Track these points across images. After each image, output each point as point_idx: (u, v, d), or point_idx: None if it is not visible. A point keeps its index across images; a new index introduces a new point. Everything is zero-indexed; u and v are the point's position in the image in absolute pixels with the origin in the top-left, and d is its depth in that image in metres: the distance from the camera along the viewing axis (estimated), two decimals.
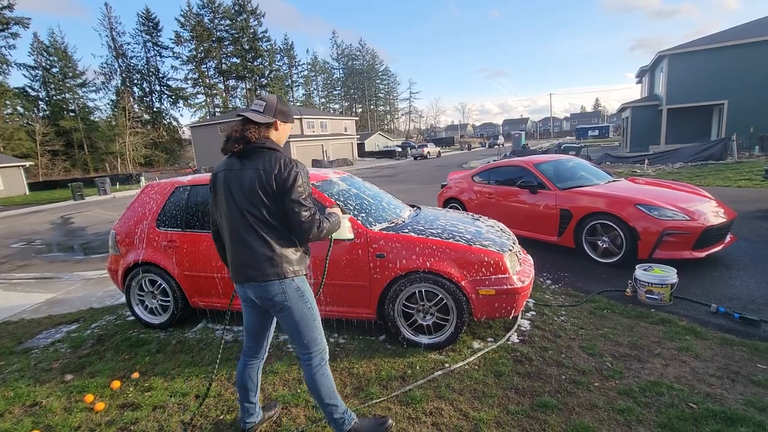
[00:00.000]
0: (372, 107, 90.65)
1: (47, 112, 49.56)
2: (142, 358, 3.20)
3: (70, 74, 51.03)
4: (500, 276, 2.99)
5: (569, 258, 5.15)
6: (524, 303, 3.14)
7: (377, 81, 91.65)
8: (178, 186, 3.74)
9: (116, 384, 2.82)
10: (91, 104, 53.70)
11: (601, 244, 4.81)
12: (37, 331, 4.05)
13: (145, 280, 3.74)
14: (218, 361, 2.47)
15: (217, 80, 63.06)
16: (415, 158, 39.35)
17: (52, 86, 49.87)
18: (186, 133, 55.03)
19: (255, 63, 63.10)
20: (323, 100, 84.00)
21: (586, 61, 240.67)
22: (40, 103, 49.69)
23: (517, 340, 3.19)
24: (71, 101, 51.57)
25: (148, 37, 57.56)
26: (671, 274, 3.64)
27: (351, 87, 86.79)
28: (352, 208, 3.43)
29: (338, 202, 3.38)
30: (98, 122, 52.93)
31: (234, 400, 2.57)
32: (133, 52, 62.12)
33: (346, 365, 2.92)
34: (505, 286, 2.98)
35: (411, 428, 2.23)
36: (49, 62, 49.97)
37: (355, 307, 3.26)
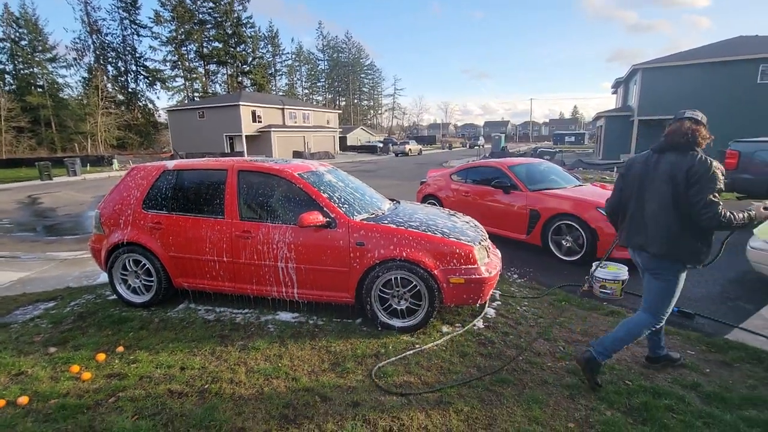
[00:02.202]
0: (356, 101, 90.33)
1: (13, 87, 47.03)
2: (126, 334, 3.32)
3: (40, 48, 48.56)
4: (470, 266, 3.27)
5: (536, 255, 5.51)
6: (491, 292, 3.43)
7: (362, 75, 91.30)
8: (165, 170, 3.83)
9: (101, 357, 2.94)
10: (61, 81, 51.22)
11: (565, 243, 5.19)
12: (13, 308, 4.06)
13: (129, 260, 3.83)
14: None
15: (197, 64, 61.31)
16: (397, 155, 39.65)
17: (20, 59, 47.32)
18: (162, 117, 53.45)
19: (238, 49, 61.65)
20: (306, 90, 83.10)
21: (567, 69, 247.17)
22: (6, 76, 47.08)
23: (482, 326, 3.48)
24: (40, 76, 49.08)
25: (125, 14, 55.23)
26: (623, 272, 4.02)
27: (335, 79, 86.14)
28: (337, 199, 3.63)
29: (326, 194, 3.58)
30: (68, 100, 50.60)
31: (217, 371, 2.75)
32: (108, 28, 59.52)
33: (324, 344, 3.13)
34: (474, 276, 3.26)
35: (382, 398, 2.47)
36: (18, 34, 47.36)
37: (335, 291, 3.47)
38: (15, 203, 12.84)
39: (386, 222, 3.47)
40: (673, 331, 3.34)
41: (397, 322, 3.38)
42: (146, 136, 55.29)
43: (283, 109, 40.12)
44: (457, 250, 3.27)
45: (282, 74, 75.51)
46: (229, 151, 36.29)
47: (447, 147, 56.68)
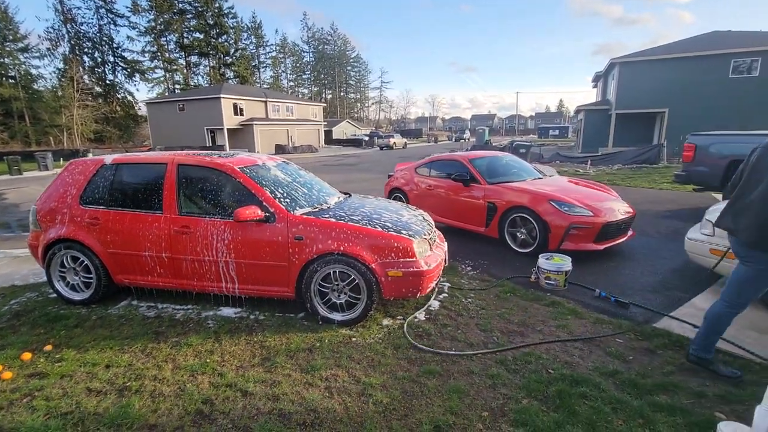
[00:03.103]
0: (342, 94, 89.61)
1: None
2: (58, 332, 3.25)
3: (11, 37, 46.76)
4: (408, 260, 3.28)
5: (492, 247, 5.57)
6: (431, 285, 3.45)
7: (348, 68, 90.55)
8: (103, 164, 3.75)
9: (27, 356, 2.88)
10: (34, 72, 49.52)
11: (519, 236, 5.26)
12: None
13: (66, 257, 3.75)
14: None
15: (177, 55, 59.92)
16: (381, 148, 39.56)
17: None
18: (143, 110, 52.17)
19: (219, 40, 60.44)
20: (292, 83, 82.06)
21: (554, 62, 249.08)
22: None
23: (423, 318, 3.51)
24: (11, 67, 47.36)
25: (101, 2, 53.49)
26: (566, 263, 4.10)
27: (321, 72, 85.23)
28: (280, 194, 3.60)
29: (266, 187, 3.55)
30: (42, 92, 49.00)
31: (143, 369, 2.72)
32: (83, 17, 57.51)
33: (259, 338, 3.12)
34: (412, 269, 3.28)
35: (305, 391, 2.48)
36: None
37: (275, 286, 3.46)
38: None
39: (327, 216, 3.45)
40: (606, 320, 3.42)
41: (337, 316, 3.38)
42: (126, 130, 53.98)
43: (266, 101, 39.58)
44: (395, 244, 3.28)
45: (266, 66, 74.45)
46: (210, 144, 35.71)
47: (433, 141, 56.72)
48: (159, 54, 57.18)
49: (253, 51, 69.67)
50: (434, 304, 3.80)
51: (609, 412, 2.27)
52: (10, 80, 46.73)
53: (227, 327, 3.31)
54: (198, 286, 3.59)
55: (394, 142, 40.16)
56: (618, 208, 5.11)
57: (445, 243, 4.10)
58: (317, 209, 3.65)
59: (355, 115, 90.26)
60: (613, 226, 4.87)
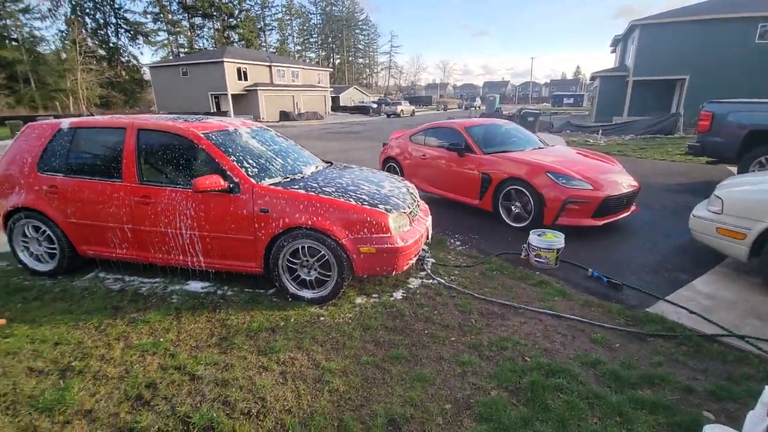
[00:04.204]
0: (350, 59, 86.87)
1: None
2: (14, 305, 3.13)
3: None
4: (382, 235, 3.03)
5: (485, 221, 5.29)
6: (408, 262, 3.22)
7: (357, 31, 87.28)
8: (59, 129, 3.49)
9: None
10: (37, 34, 48.63)
11: (514, 209, 4.95)
12: None
13: (28, 226, 3.58)
14: None
15: (181, 17, 58.13)
16: (388, 116, 38.58)
17: None
18: (147, 74, 51.30)
19: (223, 0, 58.24)
20: (299, 47, 79.52)
21: (571, 27, 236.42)
22: None
23: (400, 297, 3.30)
24: (13, 29, 46.45)
25: None
26: (559, 240, 3.82)
27: (329, 35, 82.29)
28: (249, 163, 3.33)
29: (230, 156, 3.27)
30: (47, 54, 48.24)
31: (92, 347, 2.57)
32: None
33: (221, 316, 2.95)
34: (386, 245, 3.03)
35: (257, 376, 2.31)
36: None
37: (242, 261, 3.25)
38: None
39: (296, 187, 3.19)
40: (595, 303, 3.17)
41: (307, 293, 3.19)
42: (131, 95, 53.35)
43: (270, 66, 38.42)
44: (368, 218, 3.02)
45: (272, 29, 71.95)
46: (215, 110, 35.08)
47: (442, 108, 55.16)
48: (161, 15, 55.52)
49: (259, 12, 67.18)
50: (414, 281, 3.58)
51: (584, 408, 2.06)
52: (13, 42, 45.98)
53: (190, 303, 3.15)
54: (163, 260, 3.40)
55: (402, 110, 39.10)
56: (621, 181, 4.74)
57: (429, 217, 3.83)
58: (288, 179, 3.38)
59: (364, 81, 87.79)
60: (614, 200, 4.53)
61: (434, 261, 4.04)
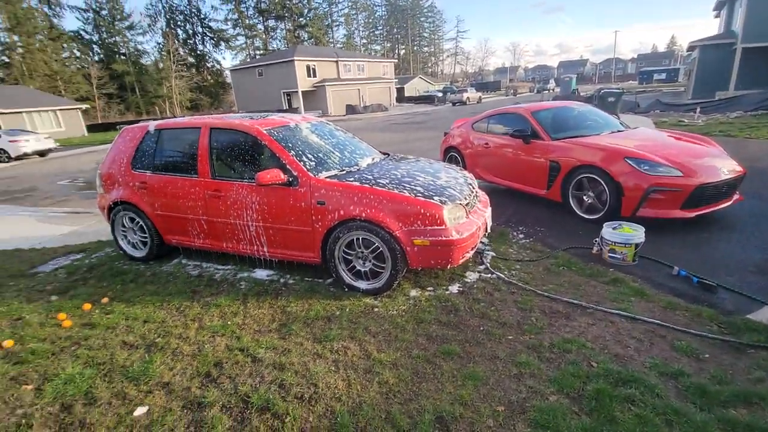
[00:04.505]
0: (415, 48, 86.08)
1: (101, 56, 51.82)
2: (115, 286, 3.60)
3: (118, 17, 52.29)
4: (436, 227, 2.97)
5: (553, 213, 4.92)
6: (464, 255, 3.11)
7: (422, 19, 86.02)
8: (147, 131, 3.92)
9: (87, 306, 3.22)
10: (140, 47, 55.41)
11: (586, 200, 4.54)
12: (49, 258, 4.61)
13: (125, 217, 4.09)
14: None
15: (256, 20, 62.12)
16: (454, 104, 37.62)
17: (104, 29, 51.62)
18: (228, 77, 55.77)
19: (293, 1, 60.98)
20: (365, 40, 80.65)
21: None
22: (93, 46, 51.88)
23: (456, 291, 3.21)
24: (122, 44, 53.33)
25: None
26: (638, 234, 3.42)
27: (393, 26, 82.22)
28: (307, 157, 3.46)
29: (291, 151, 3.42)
30: (147, 66, 54.72)
31: (172, 326, 2.87)
32: None
33: (282, 303, 3.12)
34: (441, 238, 2.96)
35: (311, 363, 2.41)
36: (98, 4, 51.29)
37: (301, 251, 3.40)
38: (94, 163, 14.47)
39: (351, 180, 3.24)
40: (681, 305, 2.80)
41: (362, 284, 3.24)
42: (215, 97, 58.53)
43: (337, 61, 39.53)
44: (422, 210, 2.97)
45: (339, 24, 73.91)
46: (286, 107, 37.11)
47: (511, 93, 52.30)
48: (240, 21, 59.80)
49: (326, 9, 69.31)
50: (472, 275, 3.46)
51: (660, 424, 1.83)
52: (122, 57, 52.76)
53: (256, 289, 3.37)
54: (233, 249, 3.68)
55: (468, 97, 37.87)
56: (721, 166, 4.10)
57: (489, 208, 3.67)
58: (344, 172, 3.44)
59: (429, 70, 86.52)
60: (711, 188, 3.93)
61: (494, 254, 3.87)
